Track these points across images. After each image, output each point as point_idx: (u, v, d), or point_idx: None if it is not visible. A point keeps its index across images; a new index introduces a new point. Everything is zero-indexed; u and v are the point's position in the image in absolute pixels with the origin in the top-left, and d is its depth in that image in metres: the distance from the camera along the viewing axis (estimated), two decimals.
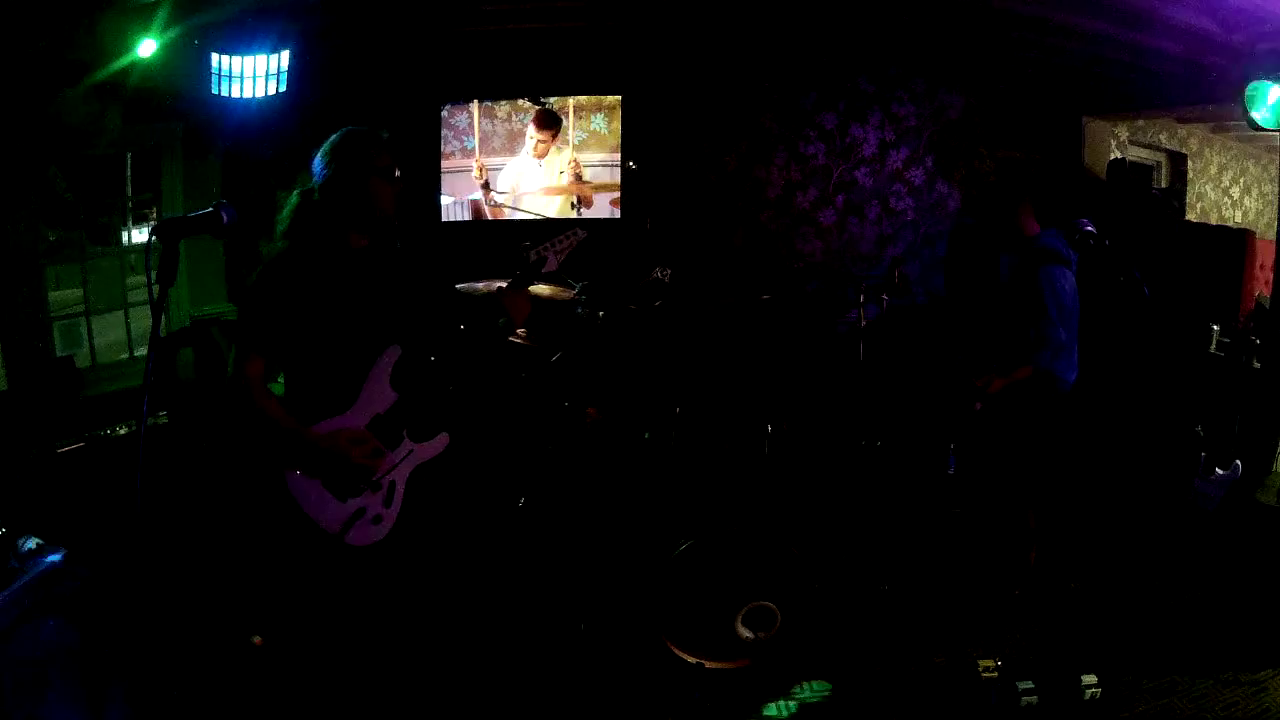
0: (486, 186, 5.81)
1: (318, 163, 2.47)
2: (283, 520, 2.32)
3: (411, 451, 2.47)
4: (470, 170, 5.78)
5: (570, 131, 5.78)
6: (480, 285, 3.98)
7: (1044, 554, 4.16)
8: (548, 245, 2.70)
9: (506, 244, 4.22)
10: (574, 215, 5.79)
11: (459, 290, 3.94)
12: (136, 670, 2.59)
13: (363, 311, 2.45)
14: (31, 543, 2.62)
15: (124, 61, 4.11)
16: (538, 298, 4.07)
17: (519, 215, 5.71)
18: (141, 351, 5.34)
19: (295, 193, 2.52)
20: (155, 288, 1.97)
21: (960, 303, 4.40)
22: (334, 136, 2.48)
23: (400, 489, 2.42)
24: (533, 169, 5.81)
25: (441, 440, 2.53)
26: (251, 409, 2.33)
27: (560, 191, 5.82)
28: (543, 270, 2.70)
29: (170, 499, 3.65)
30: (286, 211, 2.51)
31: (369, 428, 2.38)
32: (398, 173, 2.48)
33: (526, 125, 5.77)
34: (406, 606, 2.65)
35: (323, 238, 2.46)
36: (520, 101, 5.76)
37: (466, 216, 5.83)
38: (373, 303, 2.47)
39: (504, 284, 2.76)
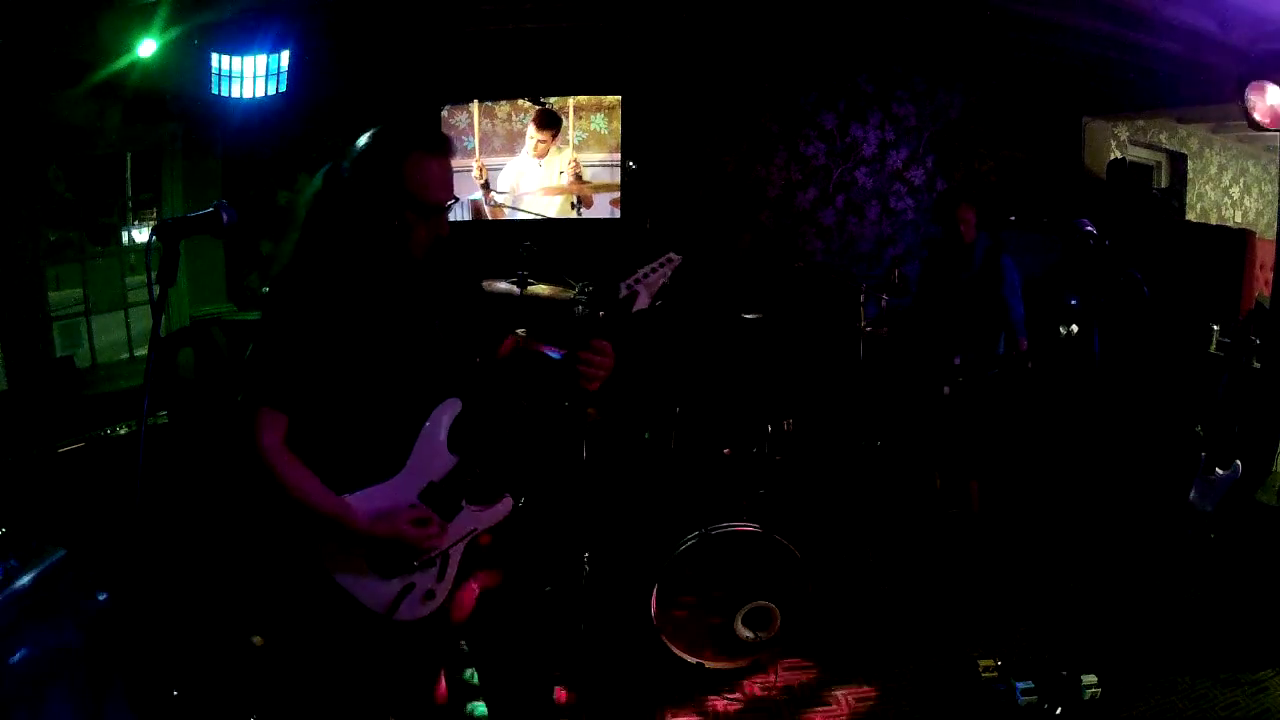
0: (486, 187, 5.81)
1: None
2: (321, 597, 1.93)
3: (473, 523, 2.06)
4: (470, 170, 5.78)
5: (570, 131, 5.78)
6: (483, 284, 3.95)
7: (1041, 552, 4.17)
8: (638, 278, 2.17)
9: (507, 244, 4.23)
10: (574, 215, 5.79)
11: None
12: (137, 670, 2.59)
13: (420, 350, 2.00)
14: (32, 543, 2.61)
15: (124, 61, 4.11)
16: (537, 298, 4.09)
17: (519, 215, 5.71)
18: (141, 351, 5.33)
19: (319, 173, 2.02)
20: (155, 288, 1.96)
21: (932, 293, 4.49)
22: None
23: (455, 561, 2.03)
24: (533, 169, 5.81)
25: (505, 505, 2.11)
26: (277, 485, 1.82)
27: (560, 191, 5.82)
28: (633, 309, 2.16)
29: (170, 499, 3.65)
30: (306, 196, 2.02)
31: (422, 497, 1.97)
32: (451, 157, 1.97)
33: (526, 125, 5.77)
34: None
35: (365, 243, 1.94)
36: (520, 102, 5.76)
37: (467, 217, 5.84)
38: (431, 339, 2.02)
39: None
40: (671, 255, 2.23)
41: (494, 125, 5.80)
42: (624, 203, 5.80)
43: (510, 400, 2.08)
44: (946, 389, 4.02)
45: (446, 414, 2.00)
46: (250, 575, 3.35)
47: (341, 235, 1.95)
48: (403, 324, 1.99)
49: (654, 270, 2.19)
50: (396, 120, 1.96)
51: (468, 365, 2.12)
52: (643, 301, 2.15)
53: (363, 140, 1.94)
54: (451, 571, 2.02)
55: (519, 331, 2.36)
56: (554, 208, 5.82)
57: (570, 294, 3.84)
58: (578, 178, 5.80)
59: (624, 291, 2.13)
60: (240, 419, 1.83)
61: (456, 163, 2.02)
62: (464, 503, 2.03)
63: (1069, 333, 3.73)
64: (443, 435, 1.99)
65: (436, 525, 1.95)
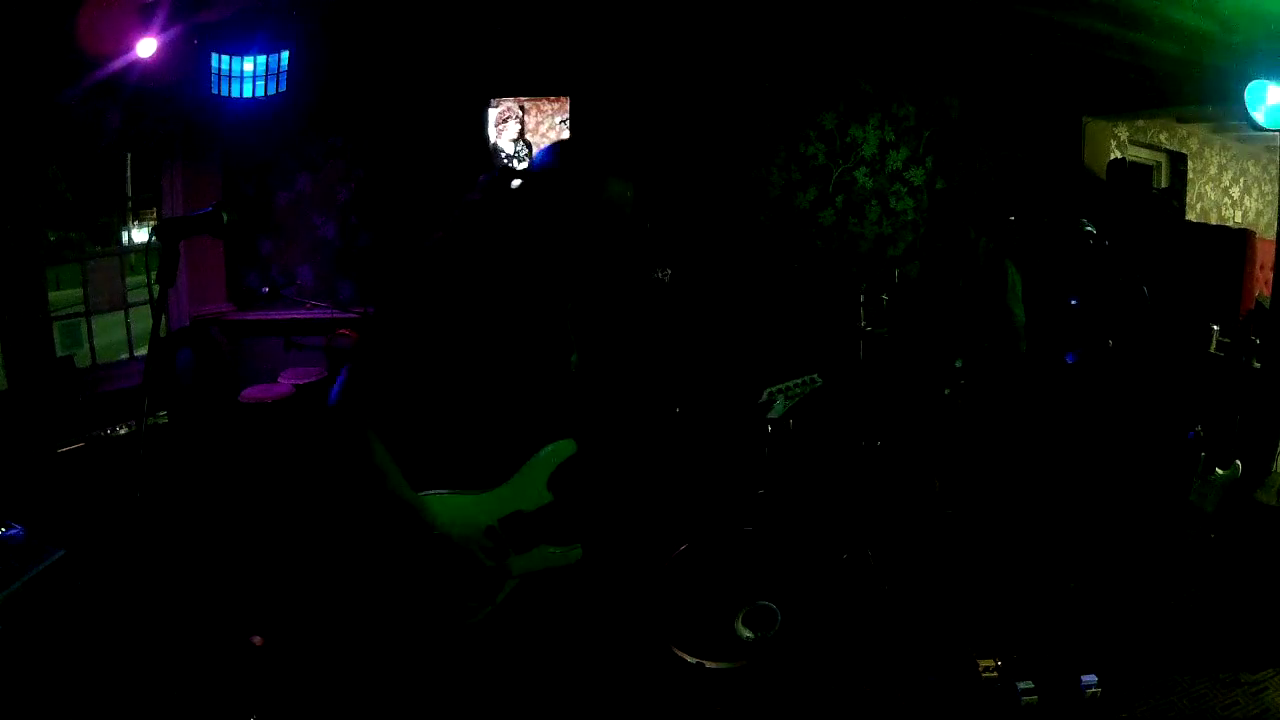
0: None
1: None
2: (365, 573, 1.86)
3: (540, 558, 1.97)
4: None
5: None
6: None
7: (1042, 552, 4.17)
8: (780, 389, 2.59)
9: None
10: None
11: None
12: (136, 668, 2.59)
13: (545, 374, 1.93)
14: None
15: (124, 61, 4.11)
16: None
17: None
18: (141, 351, 5.34)
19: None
20: (155, 288, 1.96)
21: (932, 295, 4.48)
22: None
23: (507, 590, 1.94)
24: None
25: (574, 553, 2.02)
26: (357, 456, 1.74)
27: None
28: (768, 415, 2.50)
29: (170, 499, 3.65)
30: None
31: (504, 522, 1.89)
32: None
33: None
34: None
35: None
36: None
37: None
38: (558, 368, 1.96)
39: None
40: (816, 377, 2.77)
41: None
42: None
43: (633, 461, 2.09)
44: (947, 390, 4.02)
45: (560, 452, 1.95)
46: (248, 575, 3.35)
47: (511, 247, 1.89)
48: (542, 344, 1.94)
49: (799, 385, 2.77)
50: (593, 143, 1.92)
51: (602, 412, 2.11)
52: (775, 411, 2.70)
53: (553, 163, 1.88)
54: (503, 601, 1.93)
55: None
56: None
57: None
58: None
59: (764, 397, 2.50)
60: (348, 380, 1.79)
61: None
62: (541, 541, 1.96)
63: None
64: (549, 471, 1.93)
65: (503, 552, 1.89)
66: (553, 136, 5.85)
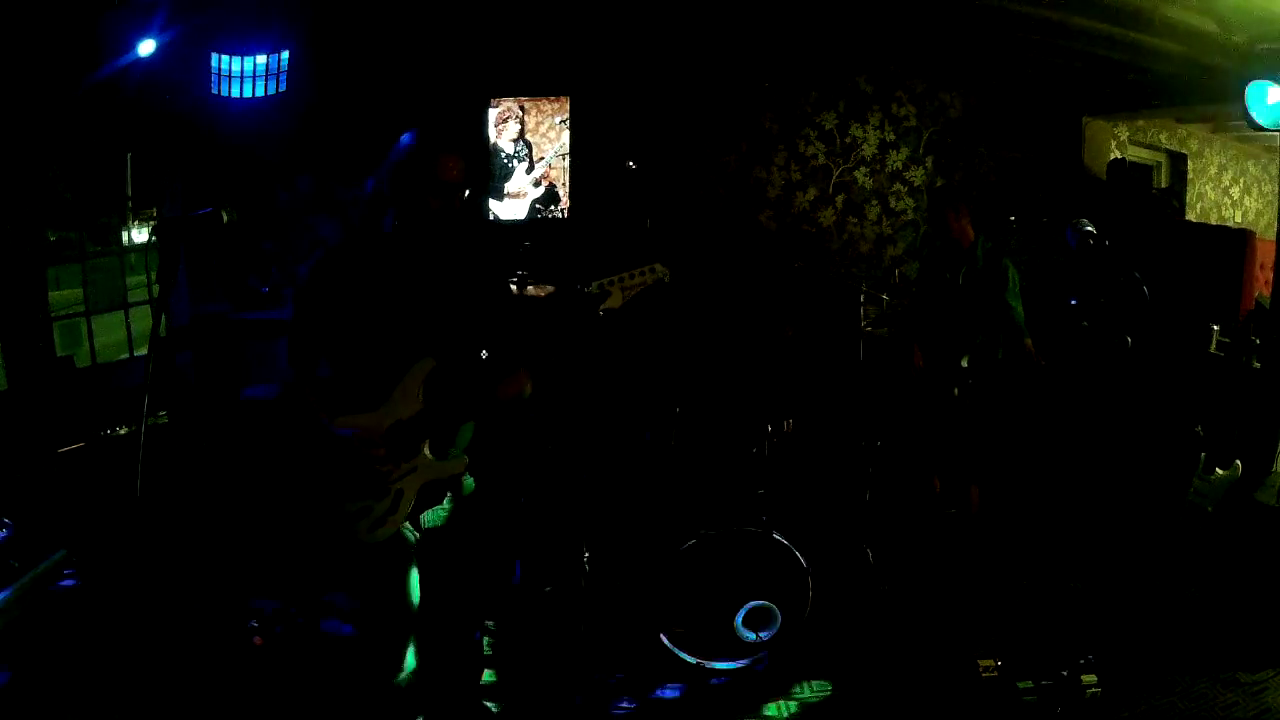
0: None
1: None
2: (309, 496, 2.37)
3: (427, 466, 2.34)
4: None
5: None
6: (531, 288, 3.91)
7: (1044, 554, 4.17)
8: (613, 280, 2.32)
9: (508, 244, 4.23)
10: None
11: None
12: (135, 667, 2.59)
13: (409, 312, 2.35)
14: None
15: (124, 61, 4.11)
16: (537, 299, 4.09)
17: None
18: (141, 351, 5.34)
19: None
20: (155, 287, 1.97)
21: (931, 295, 4.48)
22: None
23: (409, 498, 2.32)
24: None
25: (457, 463, 2.39)
26: (297, 396, 2.36)
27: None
28: (601, 307, 2.32)
29: (170, 499, 3.65)
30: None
31: (389, 430, 2.30)
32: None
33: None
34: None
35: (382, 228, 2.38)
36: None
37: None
38: (421, 304, 2.36)
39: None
40: (656, 266, 2.36)
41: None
42: (624, 203, 5.80)
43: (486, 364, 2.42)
44: (956, 390, 4.01)
45: (423, 367, 2.31)
46: (248, 575, 3.35)
47: (390, 210, 2.34)
48: (407, 288, 2.34)
49: (632, 275, 2.35)
50: (428, 127, 2.32)
51: (452, 331, 2.39)
52: (613, 301, 2.35)
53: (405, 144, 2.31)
54: (404, 507, 2.31)
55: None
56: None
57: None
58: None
59: (593, 288, 2.32)
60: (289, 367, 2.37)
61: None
62: (425, 449, 2.32)
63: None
64: (419, 384, 2.31)
65: (385, 452, 2.29)
66: (553, 137, 5.86)
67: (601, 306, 2.33)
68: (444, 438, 2.37)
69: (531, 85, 5.84)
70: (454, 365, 2.34)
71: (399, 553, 2.36)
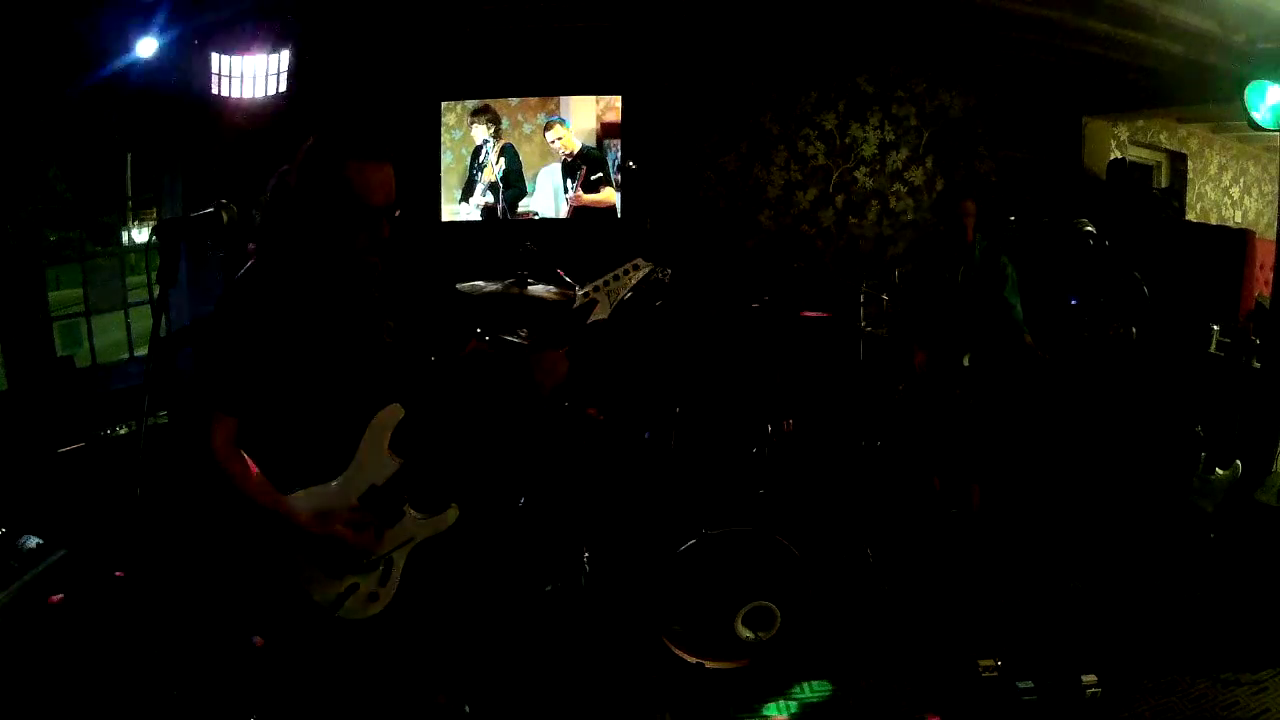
0: (494, 188, 5.83)
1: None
2: (279, 586, 2.00)
3: (417, 527, 2.08)
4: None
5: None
6: (483, 284, 3.86)
7: (1044, 553, 4.17)
8: (597, 286, 2.10)
9: (510, 244, 4.22)
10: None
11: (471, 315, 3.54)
12: (136, 668, 2.59)
13: (365, 353, 2.03)
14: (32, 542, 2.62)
15: (124, 61, 4.11)
16: (537, 299, 4.09)
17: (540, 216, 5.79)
18: (141, 351, 5.33)
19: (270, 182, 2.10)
20: (155, 288, 1.97)
21: (928, 294, 4.46)
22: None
23: (399, 566, 2.06)
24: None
25: (450, 515, 2.13)
26: (226, 483, 1.90)
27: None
28: (589, 320, 2.09)
29: (170, 499, 3.65)
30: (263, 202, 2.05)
31: (363, 500, 1.99)
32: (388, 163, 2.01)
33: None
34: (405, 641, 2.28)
35: (311, 248, 1.98)
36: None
37: (477, 217, 5.86)
38: (378, 342, 2.06)
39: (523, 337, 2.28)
40: (639, 261, 2.14)
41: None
42: (624, 203, 5.80)
43: (459, 403, 2.11)
44: (956, 390, 4.01)
45: (389, 418, 2.01)
46: (247, 575, 3.34)
47: (291, 241, 1.99)
48: (348, 328, 2.02)
49: (616, 278, 2.12)
50: (337, 128, 2.04)
51: (418, 369, 2.13)
52: (601, 311, 2.11)
53: (306, 147, 2.02)
54: (396, 576, 2.06)
55: (481, 334, 2.32)
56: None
57: (559, 294, 3.81)
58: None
59: (579, 300, 2.09)
60: (196, 422, 1.90)
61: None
62: (408, 509, 2.05)
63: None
64: (386, 439, 2.00)
65: (371, 527, 1.98)
66: (535, 138, 5.85)
67: (590, 319, 2.10)
68: (429, 493, 2.09)
69: (518, 86, 5.82)
70: (426, 408, 2.04)
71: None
